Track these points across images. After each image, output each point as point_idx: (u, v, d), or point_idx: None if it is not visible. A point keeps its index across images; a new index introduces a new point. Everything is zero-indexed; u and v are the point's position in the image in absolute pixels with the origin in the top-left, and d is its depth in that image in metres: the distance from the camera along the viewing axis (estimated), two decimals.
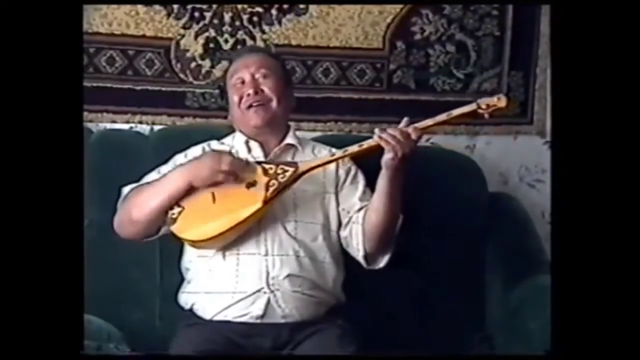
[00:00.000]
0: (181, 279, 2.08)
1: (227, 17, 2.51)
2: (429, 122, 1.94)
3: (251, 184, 1.94)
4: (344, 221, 2.06)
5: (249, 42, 2.50)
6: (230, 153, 1.99)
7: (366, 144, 1.96)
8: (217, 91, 2.49)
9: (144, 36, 2.47)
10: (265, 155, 2.09)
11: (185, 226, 1.94)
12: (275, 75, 2.11)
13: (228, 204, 1.93)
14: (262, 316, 1.92)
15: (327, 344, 1.90)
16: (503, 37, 2.64)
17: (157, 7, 2.47)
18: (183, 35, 2.49)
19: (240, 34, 2.51)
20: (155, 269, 2.22)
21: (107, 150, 2.32)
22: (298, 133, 2.19)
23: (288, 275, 1.94)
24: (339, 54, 2.56)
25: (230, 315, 1.93)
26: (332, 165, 2.07)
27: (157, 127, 2.48)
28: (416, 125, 1.91)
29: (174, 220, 1.94)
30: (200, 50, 2.50)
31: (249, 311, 1.92)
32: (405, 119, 1.92)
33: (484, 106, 1.94)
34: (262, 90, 2.07)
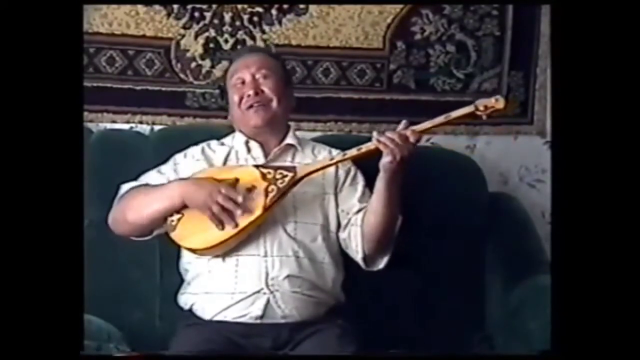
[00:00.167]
0: (181, 279, 2.08)
1: (227, 17, 2.51)
2: (427, 124, 1.93)
3: (250, 189, 1.94)
4: (343, 222, 2.06)
5: (249, 42, 2.50)
6: (231, 185, 1.94)
7: (365, 147, 1.95)
8: (217, 91, 2.49)
9: (144, 36, 2.47)
10: (265, 156, 2.09)
11: (185, 234, 1.94)
12: (275, 76, 2.11)
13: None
14: (262, 317, 1.92)
15: (327, 344, 1.90)
16: (503, 37, 2.64)
17: (157, 7, 2.47)
18: (183, 35, 2.49)
19: (240, 34, 2.51)
20: (155, 269, 2.22)
21: (107, 150, 2.32)
22: (298, 133, 2.19)
23: (287, 276, 1.94)
24: (339, 54, 2.56)
25: (229, 316, 1.93)
26: (332, 166, 2.06)
27: (157, 127, 2.48)
28: (414, 128, 1.91)
29: (174, 227, 1.95)
30: (200, 50, 2.50)
31: (249, 312, 1.92)
32: (404, 122, 1.92)
33: (482, 108, 1.93)
34: (263, 91, 2.07)
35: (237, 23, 2.51)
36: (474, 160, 2.50)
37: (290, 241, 1.97)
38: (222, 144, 2.14)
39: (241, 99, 2.08)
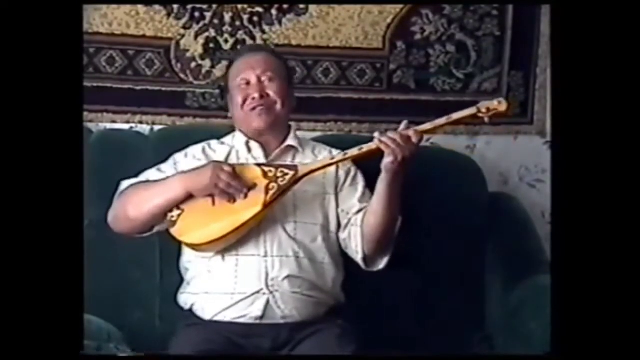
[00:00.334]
0: (181, 279, 2.08)
1: (227, 17, 2.51)
2: (429, 125, 1.93)
3: (251, 187, 1.94)
4: (343, 223, 2.06)
5: (249, 42, 2.50)
6: (231, 165, 1.97)
7: (366, 147, 1.95)
8: (217, 91, 2.49)
9: (144, 36, 2.47)
10: (266, 156, 2.08)
11: (185, 229, 1.94)
12: (280, 79, 2.10)
13: (228, 207, 1.93)
14: (261, 317, 1.92)
15: (327, 344, 1.90)
16: (503, 37, 2.64)
17: (157, 7, 2.47)
18: (183, 35, 2.49)
19: (241, 34, 2.51)
20: (155, 269, 2.22)
21: (107, 150, 2.32)
22: (298, 133, 2.19)
23: (287, 277, 1.94)
24: (339, 54, 2.56)
25: (229, 316, 1.93)
26: (333, 166, 2.06)
27: (157, 127, 2.48)
28: (416, 128, 1.91)
29: (174, 223, 1.94)
30: (200, 50, 2.50)
31: (248, 312, 1.92)
32: (404, 122, 1.92)
33: (484, 110, 1.93)
34: (268, 94, 2.06)
35: (237, 23, 2.51)
36: (474, 160, 2.50)
37: (290, 241, 1.97)
38: (223, 143, 2.14)
39: (245, 100, 2.07)
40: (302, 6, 2.52)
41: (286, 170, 1.96)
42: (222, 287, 1.94)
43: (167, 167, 2.07)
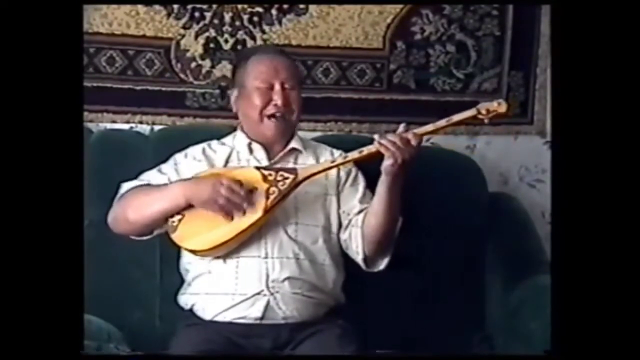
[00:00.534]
0: (181, 280, 2.08)
1: (227, 17, 2.50)
2: (429, 127, 1.93)
3: (251, 191, 1.93)
4: (344, 223, 2.06)
5: (249, 42, 2.50)
6: (231, 178, 1.93)
7: (366, 150, 1.95)
8: (217, 91, 2.50)
9: (144, 36, 2.47)
10: (269, 158, 2.07)
11: (186, 235, 1.94)
12: (298, 87, 2.09)
13: None
14: (262, 318, 1.92)
15: (327, 344, 1.90)
16: (503, 37, 2.64)
17: (157, 7, 2.47)
18: (183, 35, 2.49)
19: (241, 34, 2.51)
20: (155, 269, 2.22)
21: (107, 150, 2.32)
22: (299, 133, 2.18)
23: (288, 278, 1.94)
24: (339, 54, 2.56)
25: (229, 317, 1.93)
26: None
27: (157, 127, 2.48)
28: (416, 130, 1.90)
29: (175, 228, 1.94)
30: (200, 50, 2.50)
31: (248, 313, 1.92)
32: (402, 125, 1.92)
33: (484, 111, 1.93)
34: (289, 104, 2.04)
35: (237, 23, 2.51)
36: (474, 160, 2.50)
37: (290, 243, 1.97)
38: (223, 144, 2.13)
39: (265, 105, 2.03)
40: (302, 6, 2.52)
41: (286, 174, 1.95)
42: (223, 288, 1.94)
43: (168, 168, 2.07)
